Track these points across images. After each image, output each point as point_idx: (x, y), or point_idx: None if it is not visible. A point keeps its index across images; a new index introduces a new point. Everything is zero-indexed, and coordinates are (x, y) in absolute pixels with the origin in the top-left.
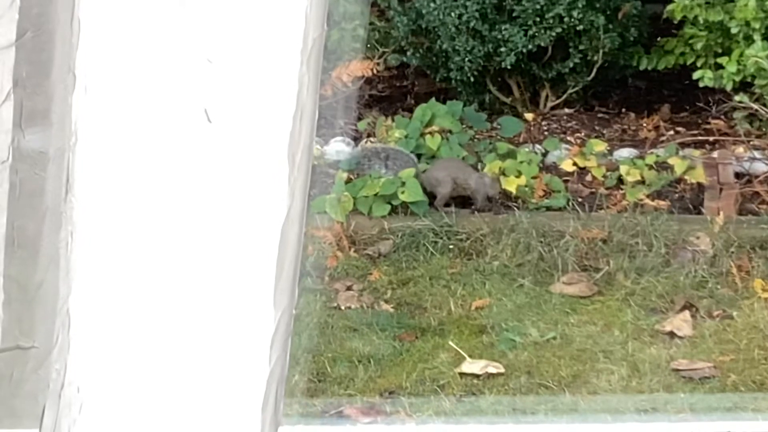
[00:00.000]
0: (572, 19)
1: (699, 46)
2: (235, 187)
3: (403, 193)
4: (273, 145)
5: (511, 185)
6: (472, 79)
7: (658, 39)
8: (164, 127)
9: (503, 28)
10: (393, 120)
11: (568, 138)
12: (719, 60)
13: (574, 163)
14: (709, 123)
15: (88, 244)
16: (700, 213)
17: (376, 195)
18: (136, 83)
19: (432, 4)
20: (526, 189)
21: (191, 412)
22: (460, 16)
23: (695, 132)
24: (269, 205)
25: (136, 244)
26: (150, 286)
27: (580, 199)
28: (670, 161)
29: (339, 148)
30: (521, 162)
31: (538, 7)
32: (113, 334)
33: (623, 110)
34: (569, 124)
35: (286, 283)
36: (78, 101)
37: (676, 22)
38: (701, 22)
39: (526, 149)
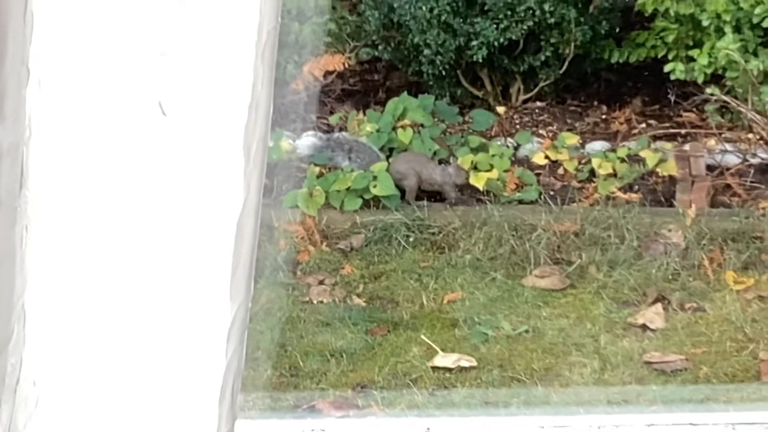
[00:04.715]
0: (543, 13)
1: (670, 38)
2: (191, 179)
3: (375, 187)
4: (228, 138)
5: (482, 179)
6: (443, 73)
7: (630, 32)
8: (119, 120)
9: (474, 21)
10: (365, 114)
11: (540, 131)
12: (690, 53)
13: (546, 156)
14: (680, 116)
15: (43, 239)
16: (672, 206)
17: (348, 189)
18: (90, 76)
19: None
20: (498, 182)
21: (148, 405)
22: (431, 10)
23: (667, 125)
24: (225, 197)
25: (91, 238)
26: (106, 280)
27: (552, 192)
28: (642, 154)
29: (310, 142)
30: (493, 155)
31: (509, 0)
32: (69, 328)
33: (595, 103)
34: (541, 118)
35: (242, 275)
36: (32, 95)
37: (647, 14)
38: (672, 14)
39: (498, 143)
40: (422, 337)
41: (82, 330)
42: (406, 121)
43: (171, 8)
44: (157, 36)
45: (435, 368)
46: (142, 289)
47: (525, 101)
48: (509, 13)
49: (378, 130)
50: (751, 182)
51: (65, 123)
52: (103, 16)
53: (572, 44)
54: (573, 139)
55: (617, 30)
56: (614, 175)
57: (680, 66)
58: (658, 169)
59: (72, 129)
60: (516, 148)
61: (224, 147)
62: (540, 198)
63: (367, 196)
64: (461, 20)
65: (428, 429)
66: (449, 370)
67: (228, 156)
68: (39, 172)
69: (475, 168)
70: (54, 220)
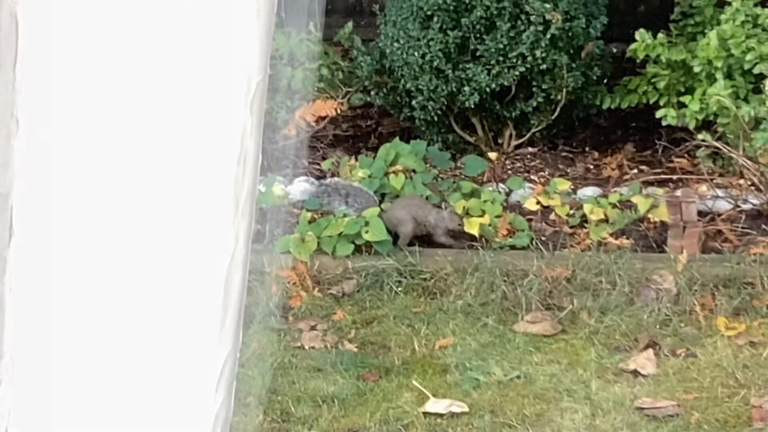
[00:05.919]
0: (535, 59)
1: (662, 84)
2: (180, 231)
3: (367, 232)
4: (217, 190)
5: (474, 224)
6: (435, 119)
7: (622, 78)
8: (108, 172)
9: (467, 67)
10: (357, 159)
11: (532, 177)
12: (682, 99)
13: (538, 202)
14: (672, 161)
15: (31, 288)
16: (663, 251)
17: (340, 234)
18: (79, 130)
19: (395, 44)
20: (490, 228)
21: None
22: (423, 56)
23: (658, 170)
24: (214, 249)
25: (80, 289)
26: (95, 330)
27: (543, 238)
28: (634, 200)
29: (303, 187)
30: (485, 201)
31: (501, 46)
32: (56, 383)
33: (587, 149)
34: (533, 163)
35: (230, 325)
36: (21, 146)
37: (638, 60)
38: (664, 60)
39: (490, 188)
40: (414, 382)
41: (70, 383)
42: (398, 167)
43: (161, 62)
44: (147, 91)
45: (426, 414)
46: (131, 343)
47: (517, 147)
48: (501, 59)
49: (370, 176)
50: (743, 228)
51: (54, 173)
52: (93, 72)
53: (564, 90)
54: (565, 185)
55: (609, 76)
56: (606, 220)
57: (672, 112)
58: (649, 215)
59: (61, 179)
60: (508, 194)
61: (213, 199)
62: (531, 243)
63: (359, 242)
64: (453, 66)
65: None
66: (441, 415)
67: (216, 208)
68: (28, 222)
69: (467, 213)
70: (43, 270)
